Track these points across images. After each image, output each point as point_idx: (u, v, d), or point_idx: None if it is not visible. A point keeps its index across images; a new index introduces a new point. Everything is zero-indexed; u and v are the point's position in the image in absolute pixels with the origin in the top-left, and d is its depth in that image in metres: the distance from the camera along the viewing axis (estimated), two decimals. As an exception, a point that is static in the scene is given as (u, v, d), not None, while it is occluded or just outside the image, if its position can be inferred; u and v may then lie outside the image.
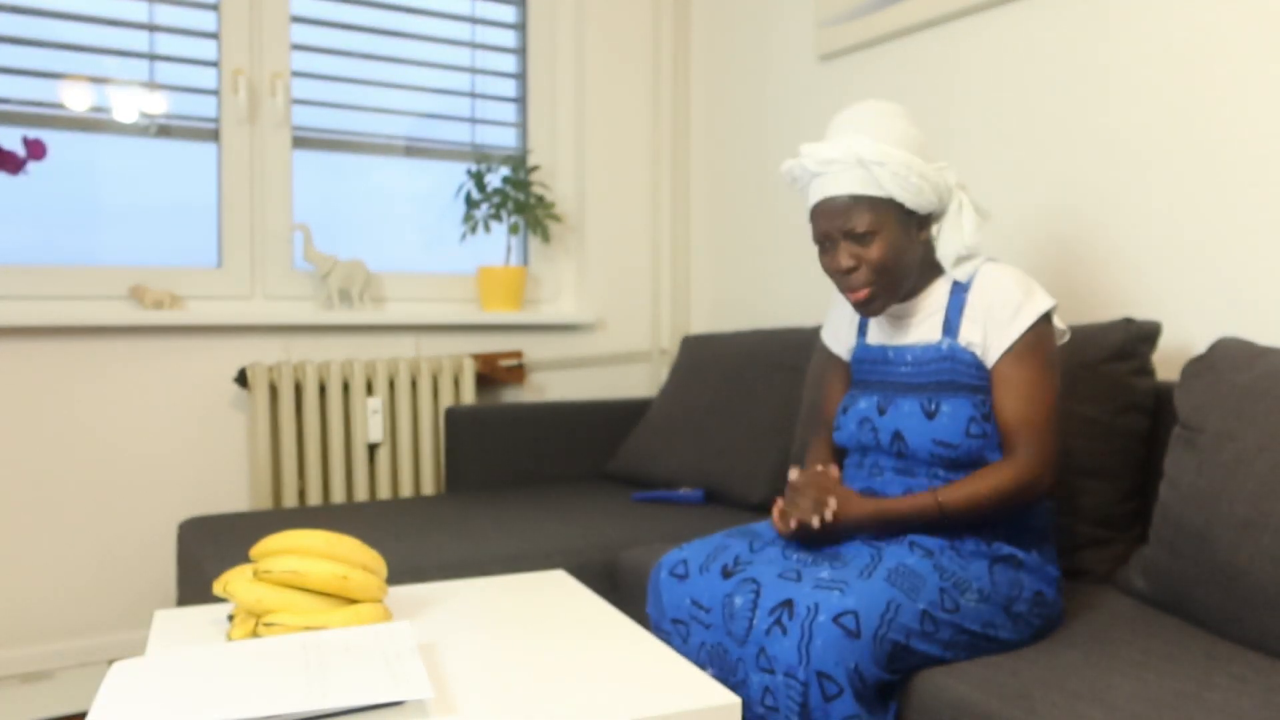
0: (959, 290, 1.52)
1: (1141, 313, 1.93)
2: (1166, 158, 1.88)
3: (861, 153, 1.43)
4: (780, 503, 1.50)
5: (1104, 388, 1.70)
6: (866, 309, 1.50)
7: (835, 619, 1.25)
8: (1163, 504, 1.49)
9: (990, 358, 1.47)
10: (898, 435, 1.49)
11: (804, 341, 2.43)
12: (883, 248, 1.46)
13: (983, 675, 1.26)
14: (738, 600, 1.38)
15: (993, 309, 1.46)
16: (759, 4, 2.92)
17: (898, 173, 1.43)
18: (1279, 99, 1.71)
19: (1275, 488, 1.32)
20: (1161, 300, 1.90)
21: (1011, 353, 1.45)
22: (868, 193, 1.44)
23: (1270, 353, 1.48)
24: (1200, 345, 1.84)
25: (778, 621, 1.30)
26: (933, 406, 1.47)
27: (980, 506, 1.41)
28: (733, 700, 1.13)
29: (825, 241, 1.50)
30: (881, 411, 1.53)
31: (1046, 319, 1.47)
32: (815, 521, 1.43)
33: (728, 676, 1.38)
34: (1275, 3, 1.71)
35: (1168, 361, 1.87)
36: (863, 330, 1.65)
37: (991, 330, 1.46)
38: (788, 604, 1.31)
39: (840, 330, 1.71)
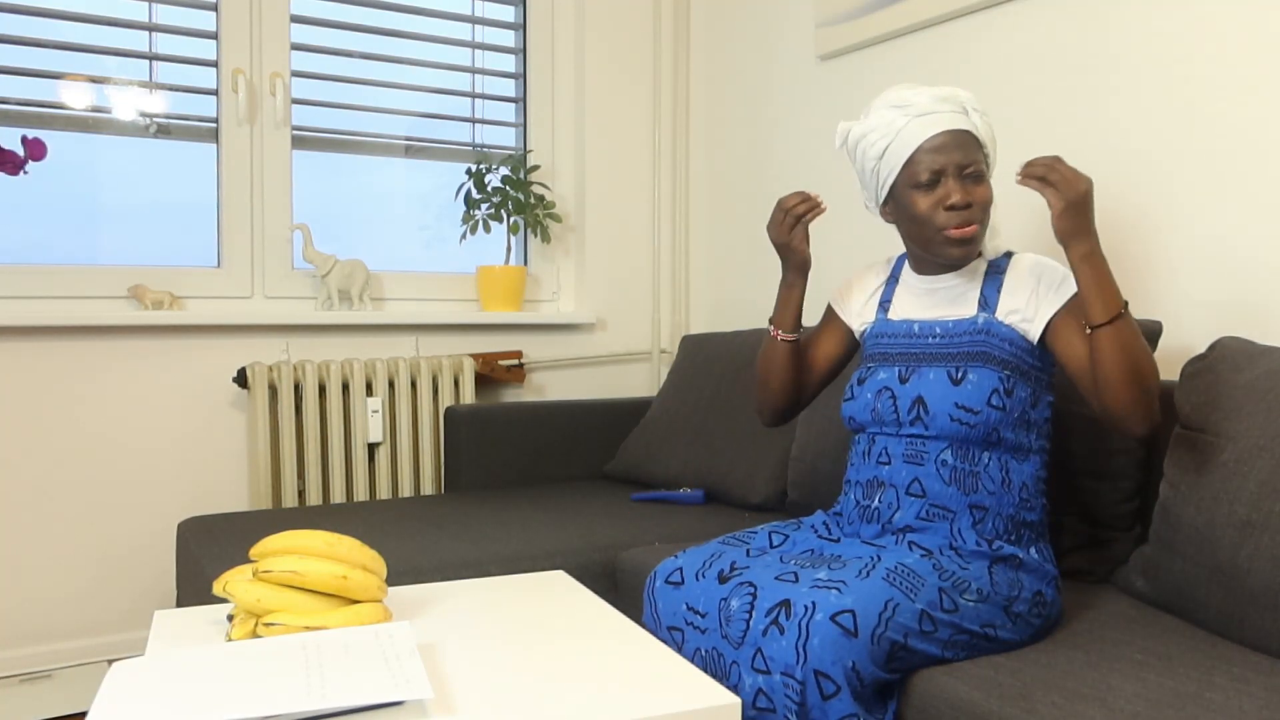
0: (994, 271, 1.56)
1: (1141, 313, 1.93)
2: (1166, 157, 1.88)
3: (964, 99, 1.51)
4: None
5: (1104, 388, 1.70)
6: (967, 250, 1.50)
7: (833, 618, 1.25)
8: (1163, 504, 1.49)
9: (1041, 318, 1.49)
10: (919, 401, 1.50)
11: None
12: (988, 190, 1.51)
13: (982, 675, 1.26)
14: (734, 603, 1.37)
15: (1041, 277, 1.51)
16: (759, 4, 2.92)
17: (988, 125, 1.52)
18: (1279, 98, 1.71)
19: (1275, 488, 1.32)
20: (1161, 300, 1.90)
21: (1071, 309, 1.48)
22: (977, 134, 1.51)
23: (1270, 353, 1.48)
24: (1200, 345, 1.83)
25: (775, 621, 1.30)
26: (959, 374, 1.48)
27: (1141, 354, 1.35)
28: (732, 700, 1.13)
29: (933, 180, 1.49)
30: (903, 380, 1.53)
31: None
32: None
33: (720, 681, 1.37)
34: (1276, 2, 1.71)
35: (1168, 361, 1.87)
36: (884, 306, 1.66)
37: (1041, 293, 1.50)
38: (785, 604, 1.31)
39: (857, 302, 1.71)
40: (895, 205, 1.55)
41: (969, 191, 1.48)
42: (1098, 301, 1.36)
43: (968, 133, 1.49)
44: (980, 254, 1.58)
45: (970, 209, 1.48)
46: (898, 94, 1.52)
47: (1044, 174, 1.35)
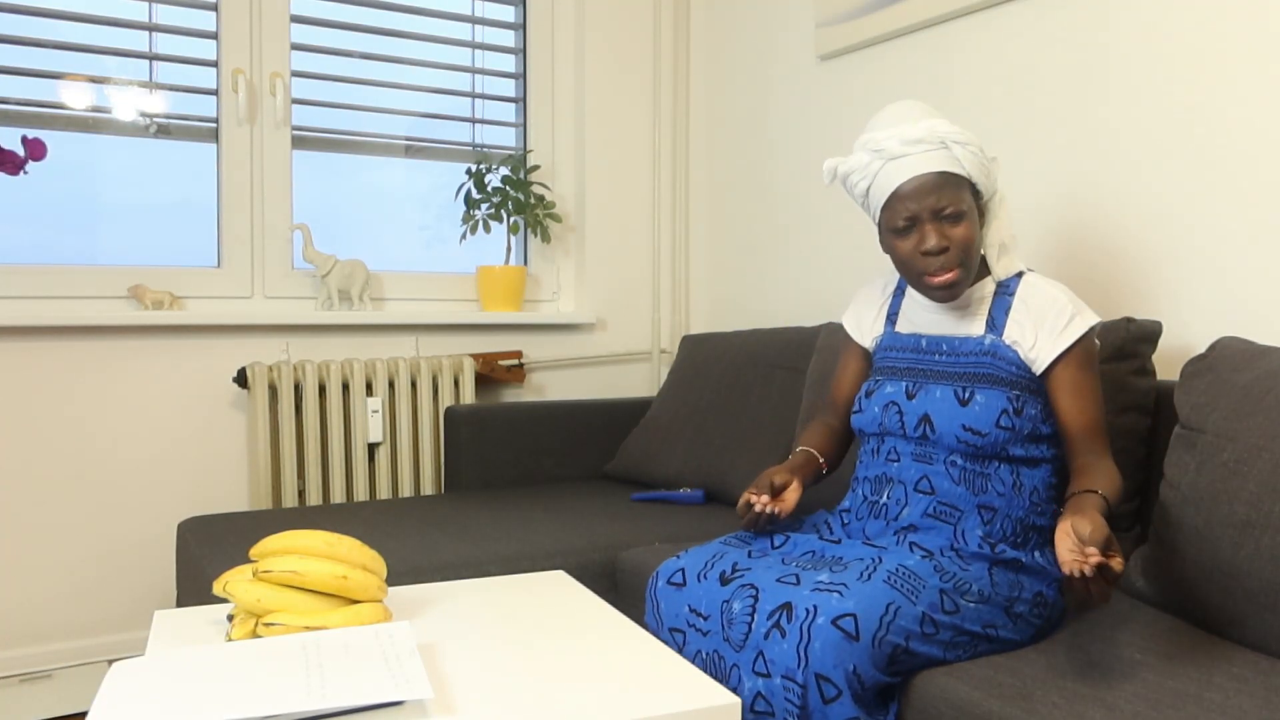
0: (1003, 292, 1.53)
1: (1141, 313, 1.93)
2: (1166, 157, 1.88)
3: (944, 133, 1.46)
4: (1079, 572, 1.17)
5: (1104, 388, 1.70)
6: (951, 292, 1.49)
7: (834, 621, 1.25)
8: (1163, 504, 1.49)
9: (1042, 360, 1.47)
10: (925, 419, 1.49)
11: (804, 341, 2.43)
12: (968, 228, 1.47)
13: (983, 675, 1.26)
14: (736, 605, 1.37)
15: (1046, 315, 1.48)
16: (759, 4, 2.92)
17: (974, 154, 1.47)
18: (1279, 98, 1.71)
19: (1275, 488, 1.32)
20: (1161, 300, 1.90)
21: (1071, 359, 1.46)
22: (954, 171, 1.46)
23: (1270, 353, 1.48)
24: (1200, 345, 1.84)
25: (776, 625, 1.30)
26: (966, 394, 1.48)
27: (1120, 499, 1.39)
28: (732, 701, 1.13)
29: (908, 225, 1.48)
30: (910, 396, 1.53)
31: (1093, 331, 1.48)
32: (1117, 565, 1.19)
33: (721, 684, 1.37)
34: (1276, 2, 1.71)
35: (1168, 361, 1.87)
36: (892, 319, 1.66)
37: (1044, 335, 1.47)
38: (786, 607, 1.31)
39: (866, 319, 1.71)
40: (884, 243, 1.55)
41: (945, 235, 1.46)
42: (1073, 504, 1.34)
43: (945, 172, 1.46)
44: (989, 273, 1.56)
45: (947, 253, 1.47)
46: (872, 134, 1.49)
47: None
